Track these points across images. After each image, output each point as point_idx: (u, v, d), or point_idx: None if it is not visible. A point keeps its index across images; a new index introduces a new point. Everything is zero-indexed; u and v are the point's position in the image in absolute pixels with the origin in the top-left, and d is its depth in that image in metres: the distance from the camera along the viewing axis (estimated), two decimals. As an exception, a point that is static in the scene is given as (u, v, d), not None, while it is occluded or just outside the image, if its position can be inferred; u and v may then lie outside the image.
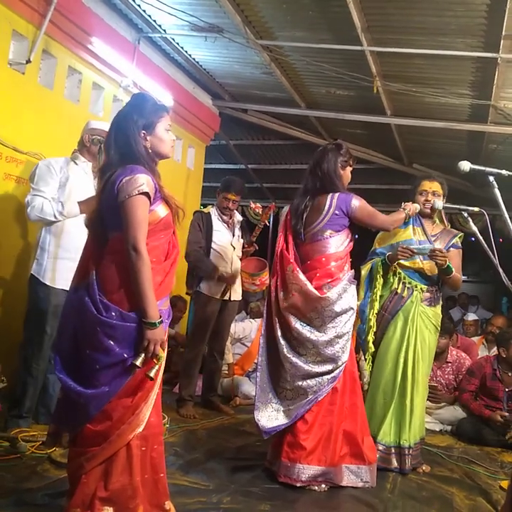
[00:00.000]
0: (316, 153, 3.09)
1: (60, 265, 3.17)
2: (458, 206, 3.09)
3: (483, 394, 4.29)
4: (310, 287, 2.85)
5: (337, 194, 2.95)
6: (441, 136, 6.36)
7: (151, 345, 1.94)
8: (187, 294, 4.58)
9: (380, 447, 3.13)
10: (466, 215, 3.03)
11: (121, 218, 1.99)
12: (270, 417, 2.83)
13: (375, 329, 3.24)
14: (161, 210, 2.07)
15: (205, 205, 4.65)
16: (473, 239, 3.03)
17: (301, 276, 2.88)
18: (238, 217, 4.44)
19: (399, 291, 3.27)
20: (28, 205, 3.15)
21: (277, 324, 2.94)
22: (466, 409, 4.38)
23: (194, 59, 5.67)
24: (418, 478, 3.10)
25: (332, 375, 2.83)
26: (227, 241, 4.26)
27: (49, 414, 3.20)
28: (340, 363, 2.84)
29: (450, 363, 4.64)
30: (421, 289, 3.27)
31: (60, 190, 3.19)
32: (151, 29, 5.07)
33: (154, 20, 4.93)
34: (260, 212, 4.75)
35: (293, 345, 2.88)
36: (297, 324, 2.87)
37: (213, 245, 4.19)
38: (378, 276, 3.29)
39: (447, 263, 3.16)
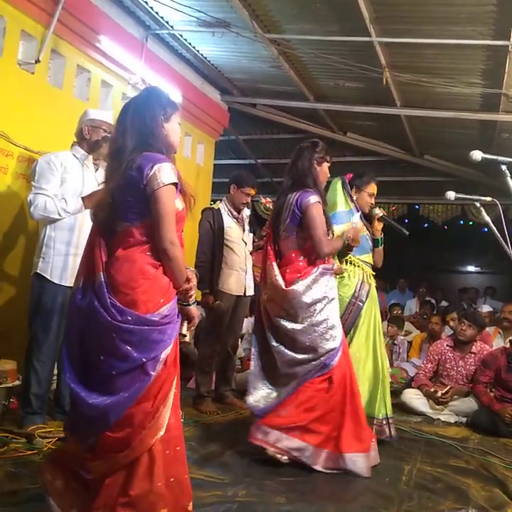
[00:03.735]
0: (293, 152, 3.21)
1: (69, 262, 3.14)
2: (470, 196, 3.06)
3: (498, 385, 4.27)
4: (279, 280, 3.00)
5: (300, 191, 3.05)
6: (452, 126, 6.32)
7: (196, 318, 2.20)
8: (199, 288, 4.58)
9: (375, 422, 3.35)
10: (478, 205, 2.99)
11: (144, 208, 1.94)
12: (260, 400, 2.99)
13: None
14: (179, 204, 2.03)
15: (214, 201, 4.64)
16: (486, 229, 3.01)
17: (275, 270, 3.04)
18: (246, 211, 4.41)
19: (364, 279, 3.54)
20: (31, 204, 3.08)
21: (264, 316, 3.09)
22: (478, 400, 4.36)
23: (202, 55, 5.67)
24: (433, 470, 3.10)
25: (318, 361, 2.92)
26: (238, 236, 4.25)
27: (64, 413, 3.24)
28: (323, 351, 2.93)
29: (474, 353, 4.60)
30: (373, 276, 3.63)
31: (62, 186, 3.14)
32: (159, 26, 5.08)
33: (161, 17, 4.94)
34: (271, 207, 4.76)
35: (277, 335, 3.02)
36: (276, 315, 3.01)
37: (226, 242, 4.17)
38: (336, 260, 3.45)
39: (379, 236, 3.66)
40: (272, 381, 3.02)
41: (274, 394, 2.99)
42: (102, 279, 1.92)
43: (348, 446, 2.87)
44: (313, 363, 2.92)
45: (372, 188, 3.66)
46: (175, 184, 1.97)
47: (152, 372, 1.90)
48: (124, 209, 1.98)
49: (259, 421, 2.93)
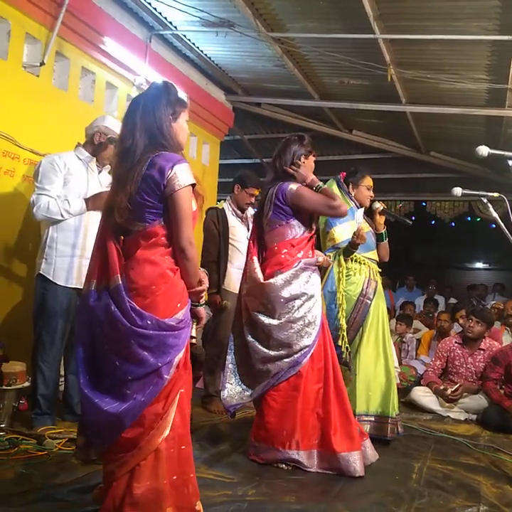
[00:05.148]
0: (279, 145, 3.18)
1: (74, 264, 3.15)
2: (477, 192, 3.04)
3: (508, 382, 4.25)
4: (257, 273, 2.99)
5: (278, 184, 3.03)
6: (458, 122, 6.28)
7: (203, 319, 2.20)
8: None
9: (390, 420, 3.38)
10: (485, 201, 2.98)
11: (163, 209, 1.93)
12: (234, 396, 3.00)
13: (345, 307, 3.43)
14: (193, 204, 2.03)
15: (219, 201, 4.65)
16: (493, 225, 3.00)
17: (255, 264, 3.03)
18: (251, 211, 4.42)
19: (371, 276, 3.54)
20: (34, 204, 3.10)
21: (244, 311, 3.07)
22: (488, 397, 4.33)
23: (206, 55, 5.67)
24: (444, 467, 3.08)
25: (292, 358, 2.90)
26: (243, 236, 4.24)
27: (73, 413, 3.26)
28: (297, 348, 2.90)
29: (483, 350, 4.58)
30: (379, 272, 3.65)
31: (65, 187, 3.15)
32: (162, 26, 5.08)
33: (165, 18, 4.94)
34: None
35: (253, 331, 3.00)
36: (254, 310, 2.99)
37: (231, 241, 4.20)
38: (341, 258, 3.50)
39: (382, 230, 3.67)
40: (246, 379, 3.02)
41: (248, 393, 3.00)
42: (120, 282, 1.90)
43: (340, 445, 2.85)
44: (286, 359, 2.90)
45: (369, 181, 3.67)
46: (192, 185, 1.98)
47: (166, 376, 1.92)
48: (143, 210, 1.95)
49: (250, 436, 2.98)
